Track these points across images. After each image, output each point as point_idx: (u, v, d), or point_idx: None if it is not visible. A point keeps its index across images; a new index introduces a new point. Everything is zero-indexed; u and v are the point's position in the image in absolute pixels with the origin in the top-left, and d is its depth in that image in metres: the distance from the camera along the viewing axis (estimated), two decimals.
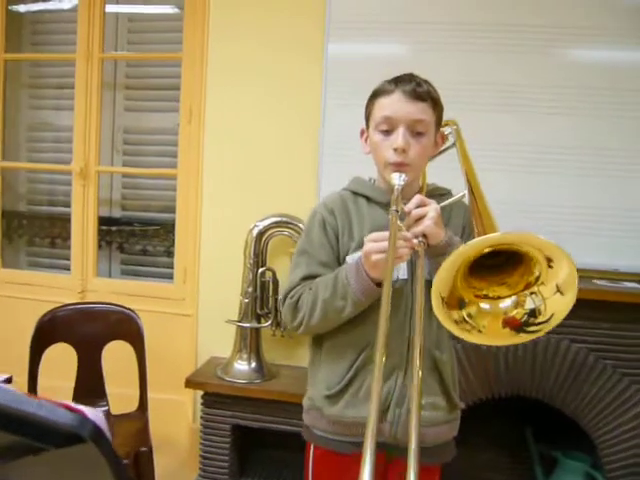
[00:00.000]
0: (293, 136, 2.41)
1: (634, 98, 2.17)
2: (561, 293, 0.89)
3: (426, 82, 1.22)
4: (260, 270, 2.30)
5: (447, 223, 1.20)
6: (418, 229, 1.09)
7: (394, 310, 1.04)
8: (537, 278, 0.92)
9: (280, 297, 1.31)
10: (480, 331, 0.94)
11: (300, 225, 2.33)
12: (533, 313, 0.93)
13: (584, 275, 2.23)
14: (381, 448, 0.92)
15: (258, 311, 2.32)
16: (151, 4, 2.79)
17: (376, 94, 1.24)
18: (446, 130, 1.33)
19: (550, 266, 0.89)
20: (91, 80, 2.61)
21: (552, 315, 0.91)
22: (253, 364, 2.29)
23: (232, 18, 2.41)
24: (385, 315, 0.88)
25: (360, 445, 0.68)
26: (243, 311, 2.32)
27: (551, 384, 2.04)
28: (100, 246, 2.85)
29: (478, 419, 1.85)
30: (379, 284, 1.11)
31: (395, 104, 1.19)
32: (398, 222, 1.07)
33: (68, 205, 2.75)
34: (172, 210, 2.76)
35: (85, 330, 2.11)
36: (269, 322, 2.32)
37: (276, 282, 2.34)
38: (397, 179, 1.18)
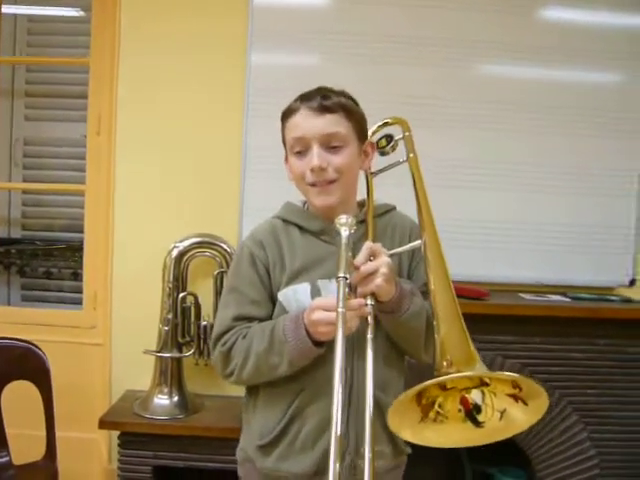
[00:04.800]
0: (214, 150, 2.25)
1: (538, 114, 2.22)
2: (500, 418, 0.84)
3: (338, 93, 1.10)
4: (181, 295, 2.12)
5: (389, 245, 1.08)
6: (368, 289, 0.97)
7: (330, 350, 0.90)
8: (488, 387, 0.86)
9: (211, 340, 1.14)
10: (447, 417, 0.86)
11: (223, 245, 2.18)
12: (477, 407, 0.86)
13: (511, 289, 2.24)
14: None
15: (179, 339, 2.13)
16: (53, 6, 2.54)
17: (284, 116, 1.12)
18: (395, 136, 1.16)
19: (517, 401, 0.83)
20: None
21: (483, 423, 0.85)
22: (175, 398, 2.09)
23: (146, 22, 2.21)
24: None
25: None
26: (163, 340, 2.12)
27: None
28: None
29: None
30: (317, 343, 1.00)
31: (303, 122, 1.07)
32: (346, 290, 0.90)
33: None
34: (79, 229, 2.52)
35: None
36: (192, 351, 2.15)
37: (198, 307, 2.17)
38: (344, 229, 0.99)
